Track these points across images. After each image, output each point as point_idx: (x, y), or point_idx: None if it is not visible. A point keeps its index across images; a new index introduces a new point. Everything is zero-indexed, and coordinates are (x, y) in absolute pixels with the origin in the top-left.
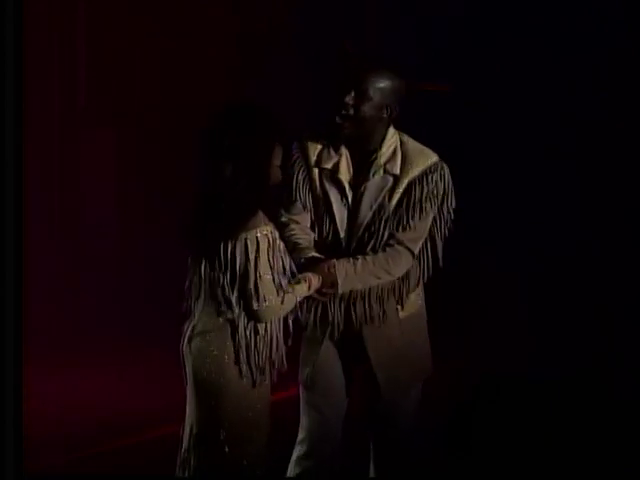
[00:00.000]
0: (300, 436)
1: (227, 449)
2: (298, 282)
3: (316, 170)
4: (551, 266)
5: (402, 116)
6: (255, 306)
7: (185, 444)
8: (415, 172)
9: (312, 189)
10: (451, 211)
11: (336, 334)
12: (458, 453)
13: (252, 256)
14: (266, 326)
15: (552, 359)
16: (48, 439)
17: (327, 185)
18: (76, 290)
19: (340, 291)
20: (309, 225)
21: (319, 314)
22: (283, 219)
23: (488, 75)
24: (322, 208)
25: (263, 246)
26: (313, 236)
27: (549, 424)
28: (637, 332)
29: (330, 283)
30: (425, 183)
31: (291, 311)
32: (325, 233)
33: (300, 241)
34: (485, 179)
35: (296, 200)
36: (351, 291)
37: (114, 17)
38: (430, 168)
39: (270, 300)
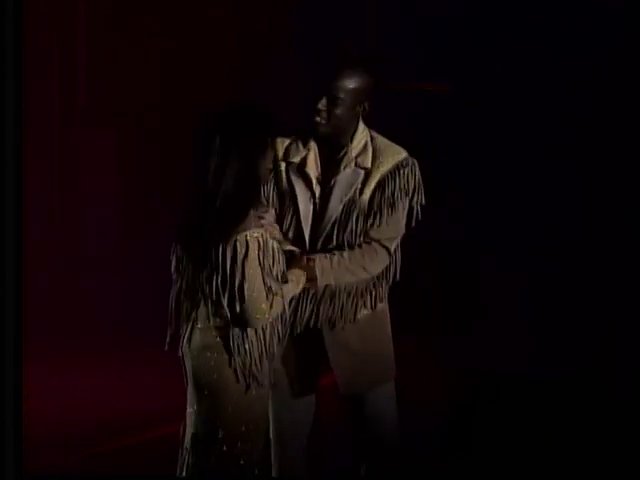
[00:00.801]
0: (271, 435)
1: (225, 448)
2: (286, 281)
3: (283, 164)
4: (551, 266)
5: (403, 116)
6: (237, 309)
7: (184, 443)
8: (386, 166)
9: (277, 183)
10: (419, 208)
11: (299, 329)
12: (458, 453)
13: (240, 258)
14: (256, 330)
15: (552, 359)
16: (48, 439)
17: (294, 179)
18: (76, 290)
19: (318, 286)
20: (274, 221)
21: (291, 309)
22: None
23: (488, 75)
24: (287, 203)
25: (253, 248)
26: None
27: (549, 424)
28: (637, 332)
29: (309, 278)
30: (397, 178)
31: (283, 314)
32: (287, 228)
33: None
34: (485, 179)
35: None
36: (324, 287)
37: (114, 17)
38: (402, 162)
39: (255, 305)
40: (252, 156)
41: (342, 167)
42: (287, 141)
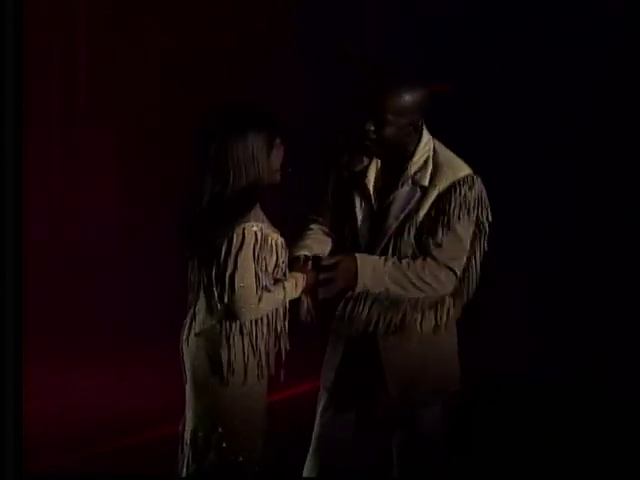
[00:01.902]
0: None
1: (225, 445)
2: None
3: (345, 172)
4: (551, 266)
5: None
6: (226, 299)
7: (184, 439)
8: (443, 185)
9: (337, 190)
10: (486, 227)
11: (353, 334)
12: (458, 453)
13: (234, 249)
14: (251, 327)
15: (552, 359)
16: (48, 439)
17: (353, 189)
18: (76, 290)
19: (360, 288)
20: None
21: (347, 311)
22: (310, 216)
23: (488, 75)
24: (344, 213)
25: (248, 241)
26: (333, 237)
27: (549, 424)
28: (637, 332)
29: (345, 280)
30: (453, 196)
31: (283, 313)
32: (344, 237)
33: (304, 237)
34: (485, 179)
35: (322, 199)
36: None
37: (114, 17)
38: (460, 181)
39: (243, 297)
40: (251, 155)
41: (400, 184)
42: (352, 148)
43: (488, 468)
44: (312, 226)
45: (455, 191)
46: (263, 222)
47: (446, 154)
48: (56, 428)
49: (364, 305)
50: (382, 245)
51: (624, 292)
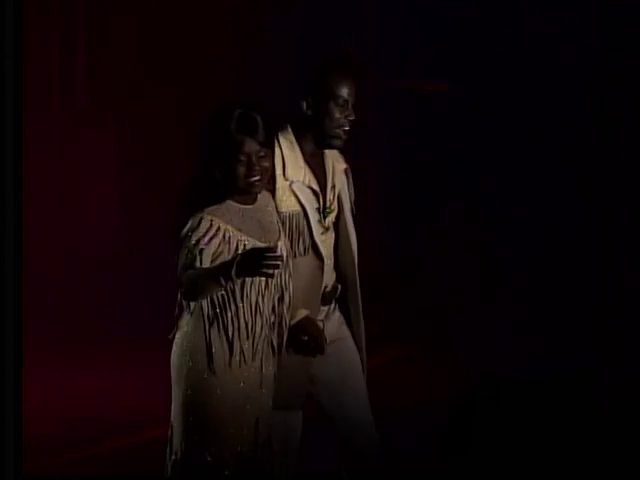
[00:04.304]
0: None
1: (195, 438)
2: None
3: (286, 182)
4: (551, 266)
5: (403, 116)
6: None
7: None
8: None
9: (284, 202)
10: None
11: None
12: (458, 454)
13: (183, 233)
14: (214, 316)
15: (552, 359)
16: (48, 439)
17: (300, 196)
18: (76, 290)
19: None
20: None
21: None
22: None
23: (488, 75)
24: (299, 221)
25: (203, 227)
26: None
27: (549, 424)
28: (637, 332)
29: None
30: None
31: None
32: (304, 247)
33: None
34: (484, 179)
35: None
36: None
37: (114, 17)
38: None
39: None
40: (214, 151)
41: (330, 173)
42: (283, 159)
43: (488, 469)
44: None
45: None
46: (222, 214)
47: None
48: (56, 428)
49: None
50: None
51: (624, 292)
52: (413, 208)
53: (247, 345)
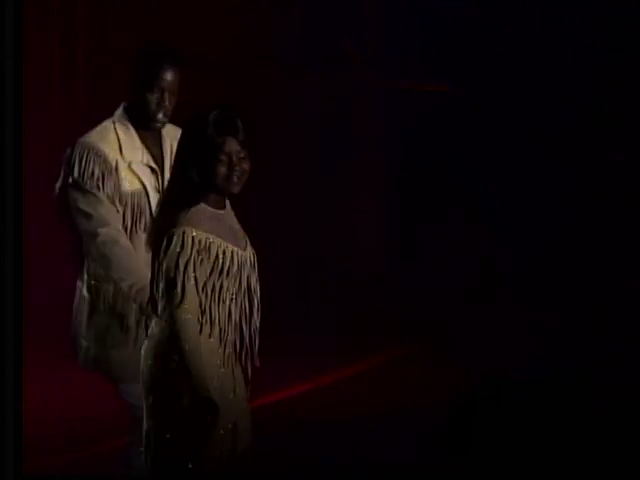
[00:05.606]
0: None
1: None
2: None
3: (124, 164)
4: (551, 266)
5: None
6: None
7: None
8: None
9: (125, 183)
10: None
11: None
12: (458, 454)
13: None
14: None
15: (552, 359)
16: (48, 439)
17: (142, 177)
18: (76, 290)
19: None
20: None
21: None
22: None
23: (488, 75)
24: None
25: (187, 247)
26: None
27: (549, 424)
28: (637, 332)
29: None
30: None
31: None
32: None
33: None
34: (485, 179)
35: None
36: None
37: (114, 17)
38: None
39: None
40: (193, 154)
41: (168, 152)
42: (119, 142)
43: (488, 469)
44: None
45: None
46: (202, 226)
47: None
48: (56, 428)
49: None
50: None
51: (624, 292)
52: (413, 208)
53: (221, 350)
